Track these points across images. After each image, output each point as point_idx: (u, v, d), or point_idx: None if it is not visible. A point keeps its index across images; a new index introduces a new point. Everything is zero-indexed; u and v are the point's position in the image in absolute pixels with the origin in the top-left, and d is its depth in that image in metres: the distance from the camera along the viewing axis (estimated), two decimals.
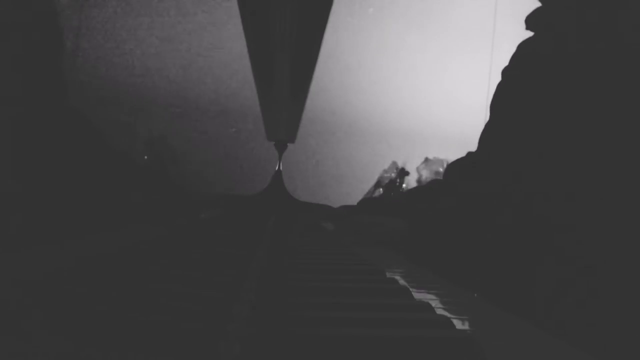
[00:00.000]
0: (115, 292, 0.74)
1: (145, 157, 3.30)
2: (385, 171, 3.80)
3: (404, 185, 3.78)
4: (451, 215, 1.34)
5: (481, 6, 3.79)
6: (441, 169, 3.78)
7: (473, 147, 3.93)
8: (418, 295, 0.88)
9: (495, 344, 0.64)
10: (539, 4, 1.34)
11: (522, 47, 1.26)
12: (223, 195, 3.20)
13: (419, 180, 3.81)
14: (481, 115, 3.95)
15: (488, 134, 1.35)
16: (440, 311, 0.77)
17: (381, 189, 3.79)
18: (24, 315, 0.63)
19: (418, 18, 3.92)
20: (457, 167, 1.61)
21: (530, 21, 1.28)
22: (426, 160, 3.81)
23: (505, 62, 3.93)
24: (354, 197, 3.86)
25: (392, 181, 3.77)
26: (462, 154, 3.88)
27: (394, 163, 3.80)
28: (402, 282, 1.00)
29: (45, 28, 1.51)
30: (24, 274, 0.83)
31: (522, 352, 0.64)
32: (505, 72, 1.33)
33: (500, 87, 1.32)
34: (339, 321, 0.67)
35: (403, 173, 3.78)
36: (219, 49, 3.53)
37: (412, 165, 3.81)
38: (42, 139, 1.41)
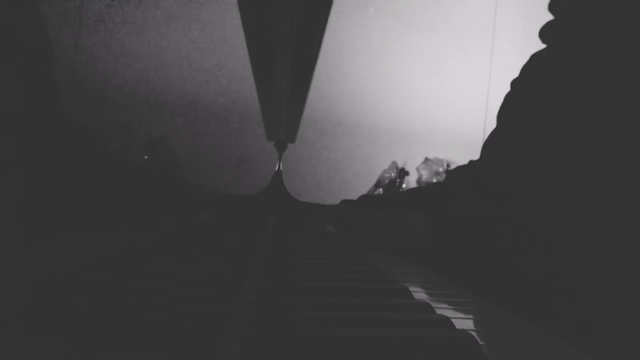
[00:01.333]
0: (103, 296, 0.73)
1: (145, 157, 3.30)
2: (385, 171, 3.80)
3: (404, 185, 3.78)
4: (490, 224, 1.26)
5: (481, 5, 3.80)
6: (441, 169, 3.78)
7: (473, 147, 3.93)
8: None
9: (493, 342, 0.64)
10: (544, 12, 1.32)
11: (535, 58, 1.24)
12: (222, 195, 3.20)
13: (419, 181, 3.81)
14: (481, 115, 3.96)
15: (493, 145, 1.32)
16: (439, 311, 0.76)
17: (381, 189, 3.79)
18: None
19: (418, 17, 3.92)
20: (459, 175, 1.57)
21: (544, 34, 1.26)
22: (426, 160, 3.81)
23: (505, 62, 3.94)
24: (354, 197, 3.86)
25: (392, 181, 3.77)
26: (462, 154, 3.89)
27: (394, 163, 3.81)
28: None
29: (32, 35, 1.49)
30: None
31: (519, 349, 0.64)
32: (514, 83, 1.30)
33: (508, 97, 1.29)
34: (339, 321, 0.67)
35: (403, 173, 3.78)
36: (218, 48, 3.53)
37: (412, 165, 3.81)
38: (37, 149, 1.40)
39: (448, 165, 3.78)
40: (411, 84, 3.97)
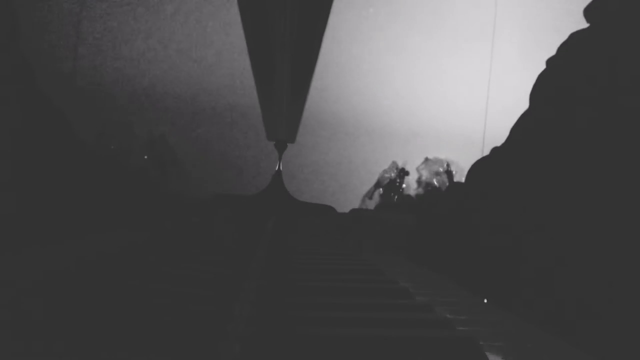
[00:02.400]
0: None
1: (145, 157, 3.30)
2: (385, 171, 3.80)
3: (404, 185, 3.78)
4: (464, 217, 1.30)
5: (481, 5, 3.79)
6: (441, 169, 3.77)
7: (473, 147, 3.93)
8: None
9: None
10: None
11: (575, 37, 1.20)
12: (222, 195, 3.20)
13: (419, 180, 3.81)
14: (481, 115, 3.95)
15: (524, 126, 1.27)
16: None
17: (381, 189, 3.79)
18: None
19: (418, 17, 3.92)
20: (482, 168, 1.54)
21: (589, 12, 1.22)
22: (426, 160, 3.81)
23: (505, 62, 3.93)
24: (354, 196, 3.86)
25: (392, 181, 3.77)
26: (462, 154, 3.88)
27: (394, 163, 3.80)
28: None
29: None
30: None
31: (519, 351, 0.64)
32: (550, 61, 1.25)
33: (543, 76, 1.24)
34: (339, 321, 0.67)
35: (403, 173, 3.78)
36: (219, 49, 3.52)
37: (412, 165, 3.81)
38: (11, 128, 1.34)
39: (448, 165, 3.78)
40: (411, 84, 3.97)
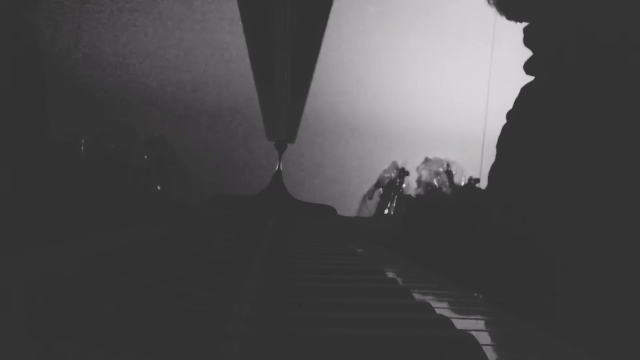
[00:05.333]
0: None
1: (145, 157, 3.31)
2: (385, 171, 3.80)
3: (404, 185, 3.78)
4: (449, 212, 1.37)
5: (482, 4, 3.80)
6: (441, 169, 3.78)
7: (473, 147, 3.93)
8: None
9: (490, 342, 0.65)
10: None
11: (525, 90, 1.26)
12: (221, 195, 3.20)
13: (419, 180, 3.81)
14: (481, 115, 3.95)
15: (496, 177, 1.35)
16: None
17: (381, 189, 3.80)
18: None
19: (418, 17, 3.93)
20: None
21: (527, 67, 1.28)
22: (426, 160, 3.81)
23: (505, 61, 3.93)
24: (354, 197, 3.87)
25: (392, 181, 3.77)
26: (462, 154, 3.88)
27: (394, 163, 3.81)
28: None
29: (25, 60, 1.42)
30: None
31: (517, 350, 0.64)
32: (509, 114, 1.32)
33: (505, 129, 1.31)
34: (338, 321, 0.67)
35: (403, 173, 3.78)
36: (218, 48, 3.53)
37: (412, 165, 3.81)
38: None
39: (448, 165, 3.79)
40: (411, 83, 3.97)
